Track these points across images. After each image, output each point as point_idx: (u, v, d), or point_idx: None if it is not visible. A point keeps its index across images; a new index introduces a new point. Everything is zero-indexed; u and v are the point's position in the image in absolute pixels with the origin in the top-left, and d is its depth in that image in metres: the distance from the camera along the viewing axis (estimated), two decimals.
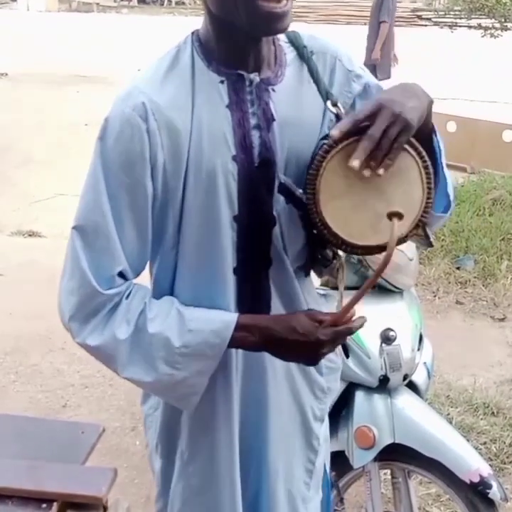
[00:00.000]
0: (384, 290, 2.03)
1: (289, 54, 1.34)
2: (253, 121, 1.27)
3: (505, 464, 2.82)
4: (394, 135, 1.14)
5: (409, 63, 12.72)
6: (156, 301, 1.31)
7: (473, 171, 6.66)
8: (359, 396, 1.99)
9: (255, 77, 1.27)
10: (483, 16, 6.41)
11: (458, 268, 4.60)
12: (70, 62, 12.16)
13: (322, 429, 1.55)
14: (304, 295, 1.41)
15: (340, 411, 2.01)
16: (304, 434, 1.51)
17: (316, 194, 1.21)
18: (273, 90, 1.29)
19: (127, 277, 1.29)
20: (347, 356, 1.92)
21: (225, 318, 1.29)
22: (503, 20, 6.14)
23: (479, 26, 6.54)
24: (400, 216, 1.19)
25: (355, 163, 1.15)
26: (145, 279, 1.38)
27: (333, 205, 1.21)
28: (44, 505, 1.30)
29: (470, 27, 7.16)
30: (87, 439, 1.55)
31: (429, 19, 21.57)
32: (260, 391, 1.41)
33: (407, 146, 1.19)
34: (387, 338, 1.94)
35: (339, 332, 1.25)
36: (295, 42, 1.35)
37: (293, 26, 1.27)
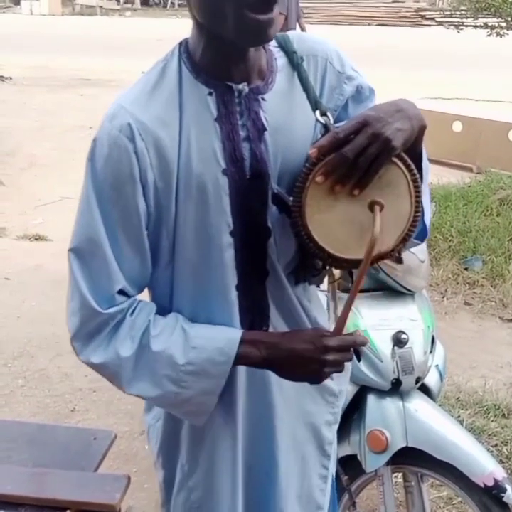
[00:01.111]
0: (395, 292, 2.02)
1: (280, 59, 1.31)
2: (243, 134, 1.25)
3: None
4: (373, 155, 1.13)
5: (413, 63, 12.71)
6: (161, 318, 1.30)
7: (479, 171, 6.65)
8: (371, 399, 1.97)
9: (244, 87, 1.24)
10: (490, 16, 6.39)
11: (466, 269, 4.59)
12: (73, 65, 12.17)
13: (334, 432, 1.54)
14: (302, 303, 1.39)
15: (352, 414, 2.00)
16: (317, 440, 1.49)
17: (301, 207, 1.19)
18: (263, 99, 1.26)
19: (129, 294, 1.29)
20: (359, 359, 1.92)
21: (230, 336, 1.27)
22: (509, 19, 6.12)
23: (485, 25, 6.51)
24: (381, 205, 1.17)
25: (318, 178, 1.15)
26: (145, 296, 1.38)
27: (319, 218, 1.20)
28: None
29: (476, 26, 7.14)
30: (99, 446, 1.54)
31: (432, 19, 21.54)
32: (265, 404, 1.40)
33: (395, 160, 1.17)
34: (399, 341, 1.93)
35: (345, 340, 1.24)
36: (285, 46, 1.32)
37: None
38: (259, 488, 1.44)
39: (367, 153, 1.12)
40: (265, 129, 1.26)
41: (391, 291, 2.02)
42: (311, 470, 1.49)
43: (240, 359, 1.26)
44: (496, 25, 6.55)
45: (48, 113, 9.12)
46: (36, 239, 5.24)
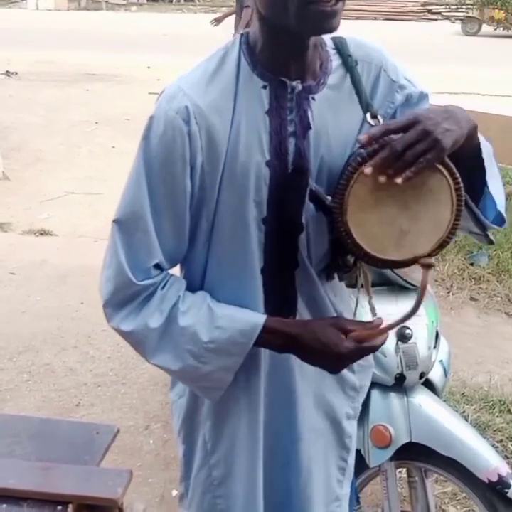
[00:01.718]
0: (400, 288, 2.02)
1: (335, 61, 1.34)
2: (290, 129, 1.29)
3: None
4: (420, 151, 1.15)
5: (419, 58, 12.68)
6: (190, 295, 1.35)
7: None
8: (375, 395, 1.97)
9: (297, 84, 1.28)
10: (496, 9, 6.38)
11: (472, 264, 4.57)
12: (79, 60, 12.16)
13: (353, 426, 1.58)
14: (329, 297, 1.43)
15: None
16: (336, 433, 1.53)
17: (343, 204, 1.22)
18: (313, 99, 1.30)
19: (163, 268, 1.34)
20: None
21: (253, 320, 1.32)
22: None
23: (492, 19, 6.49)
24: (432, 266, 1.23)
25: (367, 170, 1.17)
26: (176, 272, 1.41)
27: (359, 216, 1.22)
28: (59, 508, 1.30)
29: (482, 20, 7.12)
30: (102, 440, 1.55)
31: (439, 13, 21.46)
32: (287, 390, 1.44)
33: (440, 166, 1.19)
34: (403, 336, 1.92)
35: (362, 349, 1.29)
36: (341, 49, 1.35)
37: None
38: (281, 471, 1.49)
39: (416, 148, 1.15)
40: (310, 128, 1.30)
41: (395, 287, 2.02)
42: (330, 461, 1.53)
43: (260, 342, 1.32)
44: (503, 19, 6.52)
45: (53, 108, 9.12)
46: (41, 234, 5.24)
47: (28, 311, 4.03)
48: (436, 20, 21.74)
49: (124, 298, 1.32)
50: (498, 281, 4.42)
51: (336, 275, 1.44)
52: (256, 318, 1.32)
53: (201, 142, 1.26)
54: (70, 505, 1.30)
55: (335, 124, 1.32)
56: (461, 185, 1.21)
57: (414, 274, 2.00)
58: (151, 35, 15.09)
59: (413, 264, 1.27)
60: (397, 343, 1.92)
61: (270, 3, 1.21)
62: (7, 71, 11.22)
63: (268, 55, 1.28)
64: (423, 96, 1.40)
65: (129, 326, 1.32)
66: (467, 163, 1.23)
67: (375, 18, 21.04)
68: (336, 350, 1.27)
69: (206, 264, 1.36)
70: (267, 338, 1.31)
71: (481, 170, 1.28)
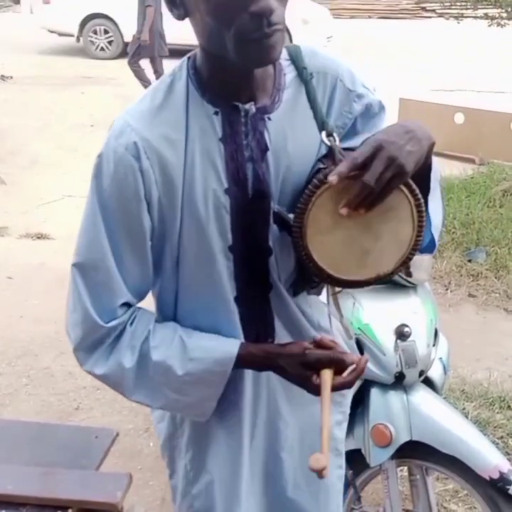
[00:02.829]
0: (398, 285, 2.01)
1: (289, 74, 1.30)
2: (247, 153, 1.25)
3: None
4: (387, 179, 1.13)
5: (415, 56, 12.67)
6: (160, 328, 1.32)
7: (482, 162, 6.61)
8: (375, 393, 1.96)
9: (251, 107, 1.24)
10: (490, 6, 6.36)
11: (469, 261, 4.56)
12: (74, 63, 12.13)
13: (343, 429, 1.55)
14: (304, 310, 1.40)
15: (355, 409, 1.99)
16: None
17: (302, 228, 1.21)
18: (269, 118, 1.26)
19: (131, 304, 1.31)
20: (361, 353, 1.91)
21: (227, 348, 1.30)
22: (509, 9, 6.08)
23: (486, 16, 6.48)
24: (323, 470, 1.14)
25: (343, 211, 1.16)
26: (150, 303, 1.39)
27: (320, 239, 1.21)
28: None
29: (476, 17, 7.10)
30: (101, 444, 1.54)
31: (433, 11, 21.44)
32: (273, 411, 1.42)
33: (400, 185, 1.18)
34: (402, 334, 1.92)
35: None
36: (296, 60, 1.31)
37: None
38: (273, 495, 1.47)
39: (382, 177, 1.13)
40: (268, 149, 1.26)
41: (393, 284, 2.00)
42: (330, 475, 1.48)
43: (237, 365, 1.29)
44: (497, 15, 6.51)
45: (49, 111, 9.09)
46: (39, 237, 5.23)
47: (26, 316, 4.02)
48: (430, 17, 21.72)
49: (93, 341, 1.29)
50: (496, 278, 4.41)
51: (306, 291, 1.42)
52: (230, 345, 1.30)
53: (155, 176, 1.22)
54: (70, 510, 1.29)
55: (293, 141, 1.28)
56: (422, 201, 1.20)
57: (412, 271, 2.00)
58: None
59: (376, 282, 1.26)
60: (396, 341, 1.91)
61: (208, 38, 1.17)
62: (2, 75, 11.17)
63: (216, 82, 1.24)
64: (382, 106, 1.37)
65: (102, 369, 1.30)
66: (414, 179, 1.20)
67: (370, 17, 21.00)
68: (306, 385, 1.25)
69: (177, 294, 1.34)
70: (243, 364, 1.30)
71: (426, 190, 1.26)
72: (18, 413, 3.11)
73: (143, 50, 8.68)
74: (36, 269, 4.64)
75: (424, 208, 1.20)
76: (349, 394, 1.53)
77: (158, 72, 8.66)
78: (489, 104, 7.48)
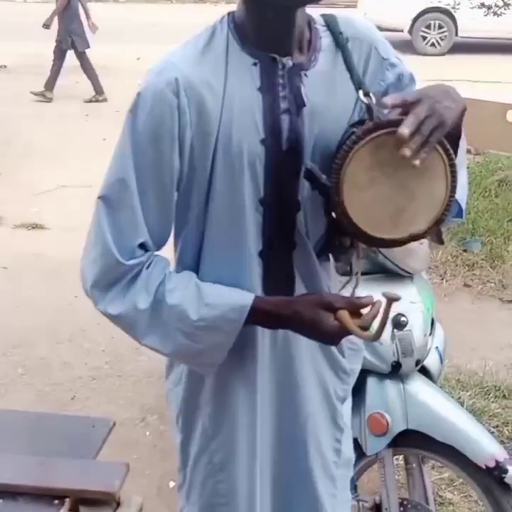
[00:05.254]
0: (394, 275, 2.01)
1: (325, 38, 1.33)
2: (283, 106, 1.27)
3: None
4: (431, 127, 1.14)
5: (410, 45, 12.63)
6: (176, 274, 1.33)
7: (478, 152, 6.60)
8: (371, 382, 1.97)
9: (288, 60, 1.27)
10: None
11: (465, 250, 4.57)
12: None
13: (345, 408, 1.58)
14: (325, 278, 1.41)
15: (352, 398, 1.99)
16: (330, 413, 1.53)
17: (339, 183, 1.20)
18: (305, 75, 1.29)
19: (148, 249, 1.31)
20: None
21: (243, 296, 1.30)
22: None
23: (482, 5, 6.47)
24: (396, 300, 1.23)
25: (406, 151, 1.13)
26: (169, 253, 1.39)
27: (355, 195, 1.21)
28: (56, 502, 1.29)
29: (472, 7, 7.09)
30: (98, 434, 1.54)
31: None
32: (287, 375, 1.44)
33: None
34: (398, 324, 1.92)
35: (343, 333, 1.27)
36: (331, 27, 1.33)
37: None
38: (288, 450, 1.49)
39: (426, 123, 1.14)
40: (304, 105, 1.28)
41: (390, 274, 2.01)
42: (327, 441, 1.53)
43: (250, 320, 1.29)
44: (493, 4, 6.50)
45: (43, 101, 9.07)
46: (33, 227, 5.21)
47: (21, 305, 4.01)
48: None
49: (110, 279, 1.29)
50: (491, 267, 4.42)
51: (331, 257, 1.43)
52: (245, 294, 1.30)
53: (190, 117, 1.23)
54: (67, 500, 1.29)
55: (329, 102, 1.30)
56: (455, 161, 1.20)
57: (409, 261, 2.00)
58: (140, 26, 14.97)
59: (409, 243, 1.26)
60: (392, 330, 1.91)
61: None
62: None
63: (256, 32, 1.26)
64: (412, 78, 1.39)
65: (116, 309, 1.29)
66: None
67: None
68: (323, 329, 1.25)
69: (201, 246, 1.34)
70: (256, 318, 1.29)
71: (454, 154, 1.26)
72: (14, 403, 3.11)
73: (77, 42, 9.07)
74: (31, 259, 4.63)
75: (456, 169, 1.21)
76: (353, 374, 1.56)
77: None
78: (485, 94, 7.47)
